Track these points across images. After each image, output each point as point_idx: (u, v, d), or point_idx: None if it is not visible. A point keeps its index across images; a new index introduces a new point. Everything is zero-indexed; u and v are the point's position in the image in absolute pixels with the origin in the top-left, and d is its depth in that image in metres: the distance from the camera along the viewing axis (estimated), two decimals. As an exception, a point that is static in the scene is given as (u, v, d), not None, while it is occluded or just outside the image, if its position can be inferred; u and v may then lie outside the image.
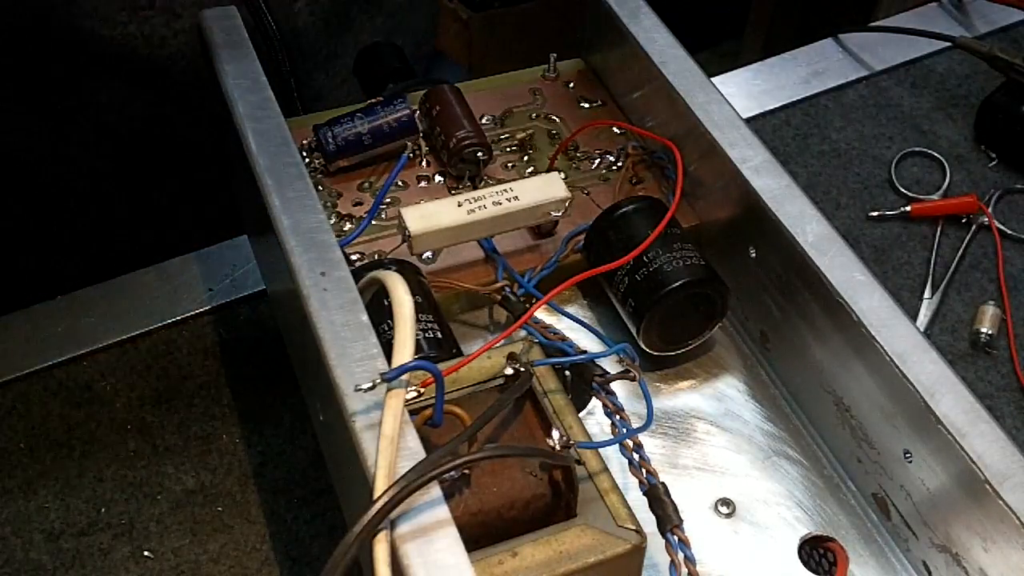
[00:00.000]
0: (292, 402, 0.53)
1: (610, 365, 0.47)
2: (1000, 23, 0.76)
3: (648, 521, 0.42)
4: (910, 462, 0.45)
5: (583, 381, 0.46)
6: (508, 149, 0.60)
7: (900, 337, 0.45)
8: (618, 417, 0.45)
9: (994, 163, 0.68)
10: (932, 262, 0.62)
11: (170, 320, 0.58)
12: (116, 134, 0.69)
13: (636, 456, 0.44)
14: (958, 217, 0.64)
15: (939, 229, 0.64)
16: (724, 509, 0.49)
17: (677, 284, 0.50)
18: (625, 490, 0.42)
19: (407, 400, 0.38)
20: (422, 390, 0.39)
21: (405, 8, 0.77)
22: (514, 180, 0.53)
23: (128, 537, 0.50)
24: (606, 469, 0.42)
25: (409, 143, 0.58)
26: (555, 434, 0.41)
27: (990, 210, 0.64)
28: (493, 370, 0.44)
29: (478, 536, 0.39)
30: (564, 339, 0.49)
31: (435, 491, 0.37)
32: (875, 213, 0.64)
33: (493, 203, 0.51)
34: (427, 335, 0.47)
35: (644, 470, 0.43)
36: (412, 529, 0.36)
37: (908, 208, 0.64)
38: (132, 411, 0.54)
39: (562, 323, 0.53)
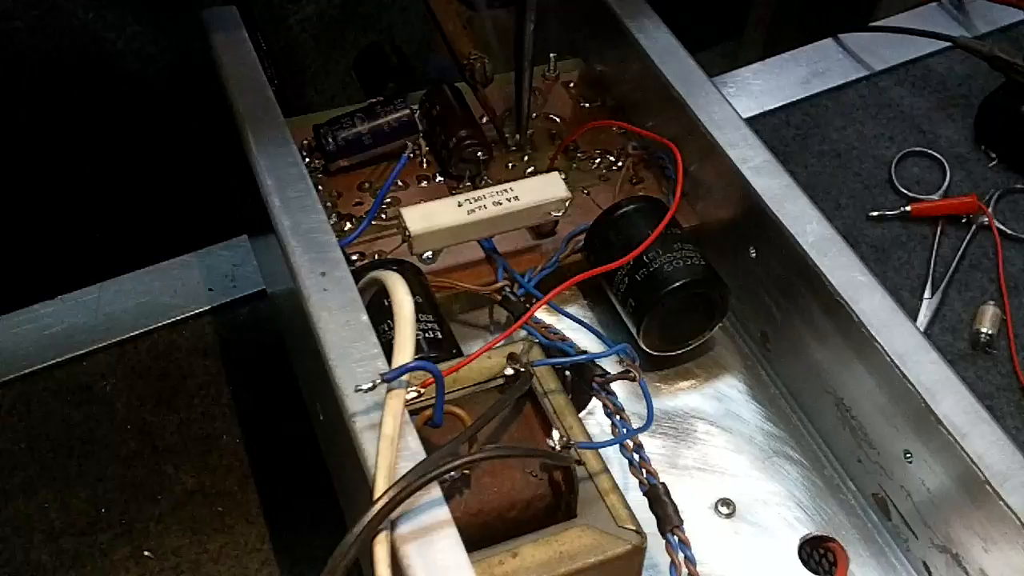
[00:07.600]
0: (292, 402, 0.53)
1: (610, 365, 0.47)
2: (1000, 23, 0.76)
3: (648, 521, 0.42)
4: (910, 462, 0.45)
5: (583, 381, 0.46)
6: (508, 149, 0.60)
7: (900, 337, 0.45)
8: (618, 417, 0.45)
9: (994, 163, 0.68)
10: (932, 262, 0.62)
11: (170, 320, 0.58)
12: (115, 135, 0.69)
13: (636, 456, 0.44)
14: (958, 217, 0.64)
15: (939, 229, 0.63)
16: (724, 509, 0.49)
17: (677, 284, 0.50)
18: (625, 490, 0.42)
19: (407, 400, 0.38)
20: (422, 390, 0.39)
21: (399, 23, 0.77)
22: (514, 180, 0.53)
23: (128, 537, 0.50)
24: (606, 469, 0.42)
25: (409, 143, 0.58)
26: (555, 434, 0.41)
27: (990, 210, 0.64)
28: (493, 370, 0.44)
29: (478, 536, 0.39)
30: (564, 339, 0.49)
31: (435, 491, 0.37)
32: (875, 213, 0.64)
33: (493, 203, 0.51)
34: (427, 335, 0.47)
35: (644, 470, 0.43)
36: (412, 529, 0.36)
37: (908, 208, 0.64)
38: (132, 411, 0.54)
39: (562, 323, 0.53)
